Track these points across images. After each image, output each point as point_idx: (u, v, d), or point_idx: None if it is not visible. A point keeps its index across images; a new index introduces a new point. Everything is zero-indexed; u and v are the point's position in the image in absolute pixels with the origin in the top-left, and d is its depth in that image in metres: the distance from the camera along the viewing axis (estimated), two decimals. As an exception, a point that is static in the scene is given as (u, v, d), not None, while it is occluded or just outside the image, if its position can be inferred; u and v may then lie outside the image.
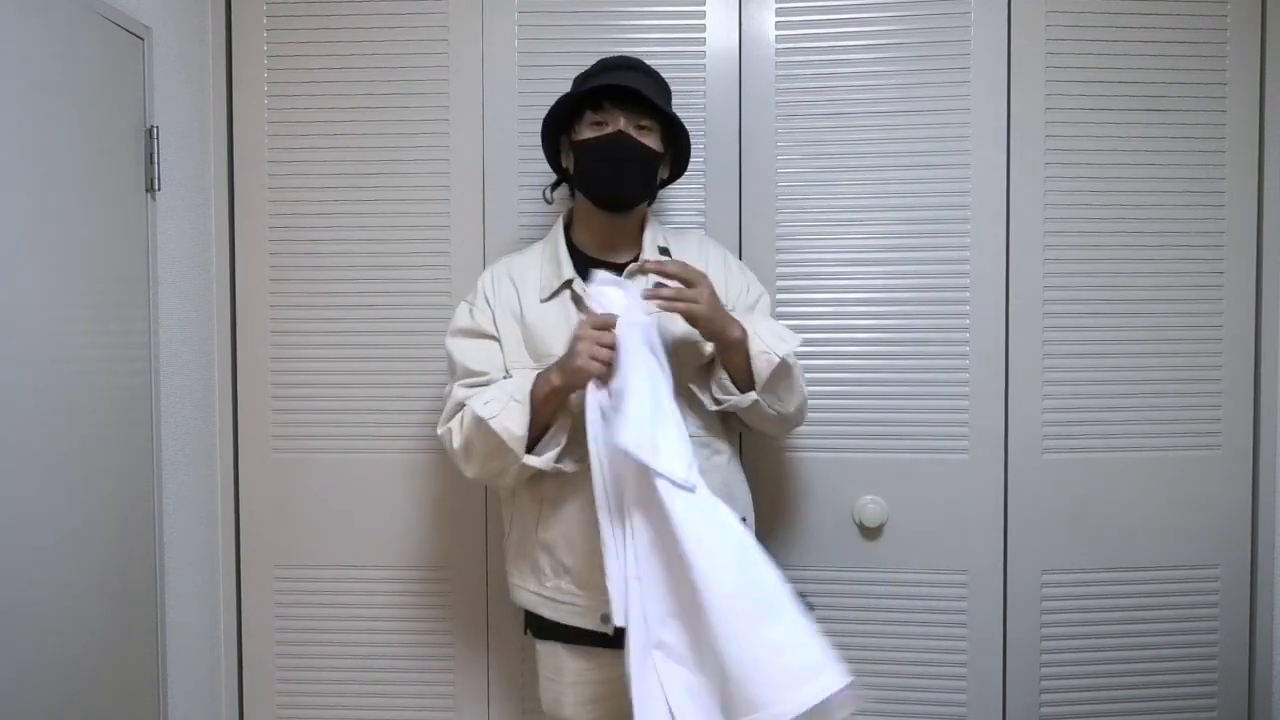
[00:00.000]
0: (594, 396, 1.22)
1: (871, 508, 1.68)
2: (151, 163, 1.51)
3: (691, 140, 1.43)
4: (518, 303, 1.39)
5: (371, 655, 1.74)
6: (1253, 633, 1.73)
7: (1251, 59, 1.68)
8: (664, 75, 1.43)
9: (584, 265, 1.40)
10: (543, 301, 1.38)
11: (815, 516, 1.70)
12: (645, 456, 1.14)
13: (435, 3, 1.71)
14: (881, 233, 1.69)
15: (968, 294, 1.69)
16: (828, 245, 1.70)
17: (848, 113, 1.69)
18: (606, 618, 1.24)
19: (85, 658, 1.33)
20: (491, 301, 1.41)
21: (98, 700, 1.36)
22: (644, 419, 1.16)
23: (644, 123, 1.36)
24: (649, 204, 1.49)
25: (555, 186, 1.53)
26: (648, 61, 1.43)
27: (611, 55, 1.45)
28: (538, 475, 1.32)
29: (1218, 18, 1.68)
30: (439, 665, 1.74)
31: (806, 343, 1.69)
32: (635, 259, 1.41)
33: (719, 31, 1.70)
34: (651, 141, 1.37)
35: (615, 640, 1.24)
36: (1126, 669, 1.71)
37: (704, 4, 1.70)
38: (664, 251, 1.42)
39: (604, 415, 1.21)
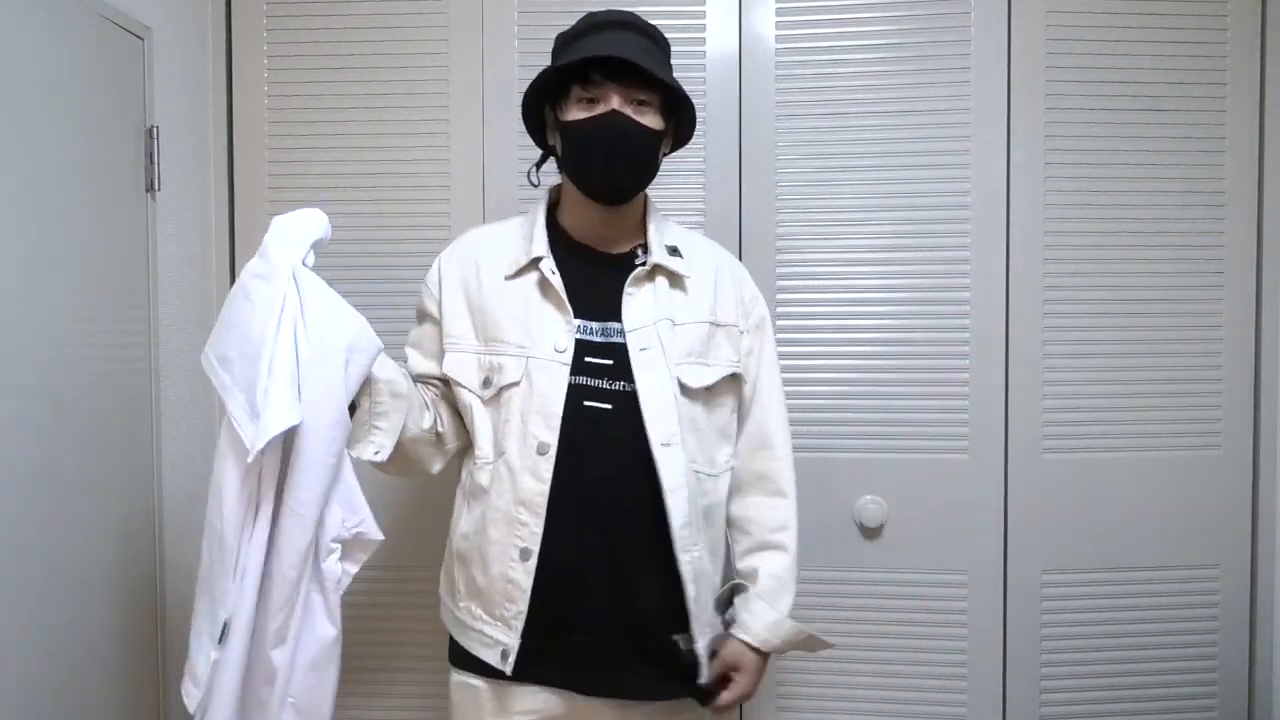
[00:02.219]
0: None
1: (871, 508, 1.68)
2: (151, 163, 1.51)
3: (694, 127, 1.30)
4: (476, 279, 1.25)
5: (370, 655, 1.74)
6: (1253, 633, 1.73)
7: (1251, 59, 1.68)
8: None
9: (568, 251, 1.25)
10: (507, 279, 1.24)
11: (815, 516, 1.70)
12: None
13: (435, 2, 1.71)
14: (881, 233, 1.69)
15: (968, 294, 1.69)
16: (828, 245, 1.70)
17: (848, 113, 1.69)
18: (506, 654, 1.19)
19: (85, 657, 1.33)
20: (443, 278, 1.28)
21: (98, 700, 1.37)
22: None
23: (641, 96, 1.18)
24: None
25: (540, 164, 1.34)
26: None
27: (600, 10, 1.26)
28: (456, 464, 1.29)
29: (1218, 18, 1.68)
30: (439, 664, 1.74)
31: (806, 342, 1.70)
32: (633, 252, 1.27)
33: (719, 31, 1.69)
34: (651, 119, 1.19)
35: (517, 677, 1.20)
36: (1126, 669, 1.71)
37: (704, 4, 1.70)
38: (673, 252, 1.27)
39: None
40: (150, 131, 1.51)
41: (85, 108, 1.35)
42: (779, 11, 1.70)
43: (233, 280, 1.73)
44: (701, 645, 1.23)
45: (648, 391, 1.19)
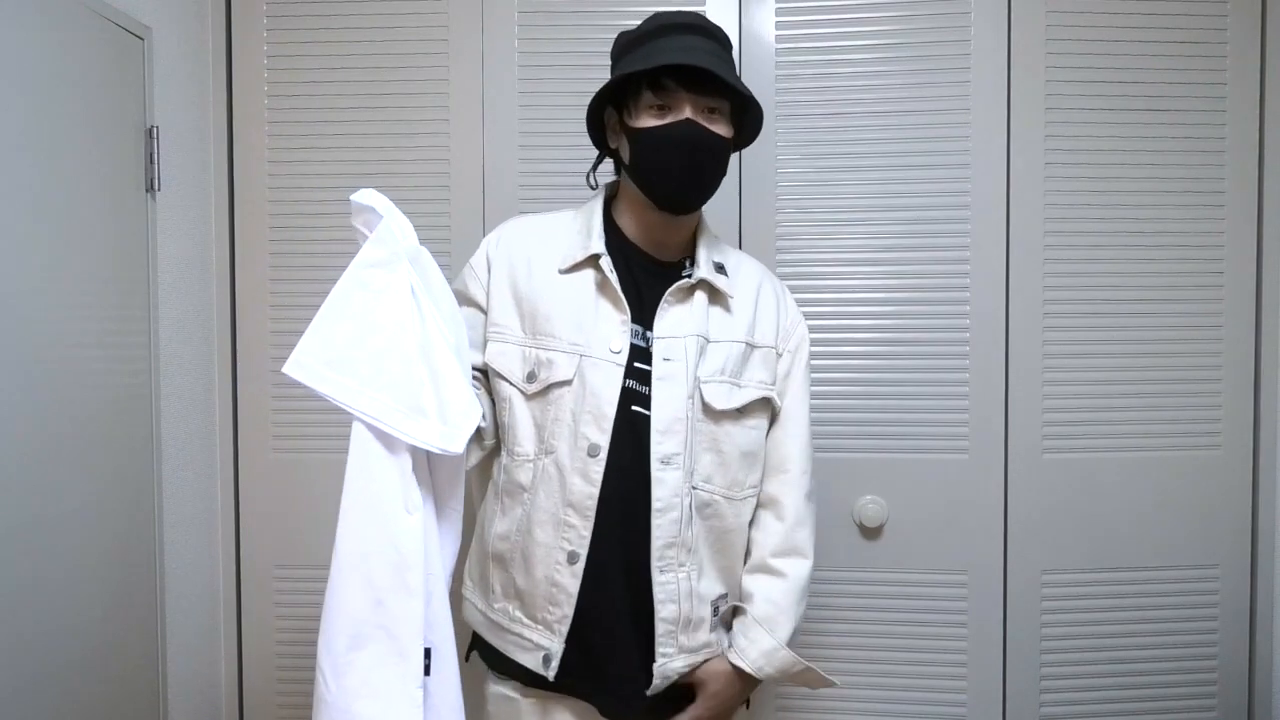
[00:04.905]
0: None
1: (871, 508, 1.69)
2: (151, 163, 1.51)
3: (759, 130, 1.27)
4: (526, 270, 1.22)
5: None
6: (1253, 633, 1.73)
7: (1251, 59, 1.68)
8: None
9: (621, 252, 1.23)
10: (560, 273, 1.21)
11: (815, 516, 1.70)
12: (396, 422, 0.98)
13: (435, 2, 1.71)
14: (881, 233, 1.69)
15: (968, 294, 1.69)
16: (828, 245, 1.70)
17: (848, 113, 1.69)
18: (549, 659, 1.15)
19: (85, 658, 1.33)
20: (492, 264, 1.25)
21: (98, 700, 1.36)
22: (401, 378, 0.99)
23: (713, 104, 1.16)
24: None
25: (597, 165, 1.31)
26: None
27: (667, 10, 1.24)
28: (484, 459, 1.24)
29: (1218, 18, 1.68)
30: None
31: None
32: (681, 263, 1.25)
33: (719, 31, 1.69)
34: (721, 127, 1.17)
35: (557, 685, 1.16)
36: (1126, 669, 1.72)
37: (704, 4, 1.70)
38: (719, 269, 1.25)
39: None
40: (150, 131, 1.51)
41: (85, 108, 1.35)
42: (779, 11, 1.70)
43: (233, 280, 1.74)
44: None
45: (659, 405, 1.17)
